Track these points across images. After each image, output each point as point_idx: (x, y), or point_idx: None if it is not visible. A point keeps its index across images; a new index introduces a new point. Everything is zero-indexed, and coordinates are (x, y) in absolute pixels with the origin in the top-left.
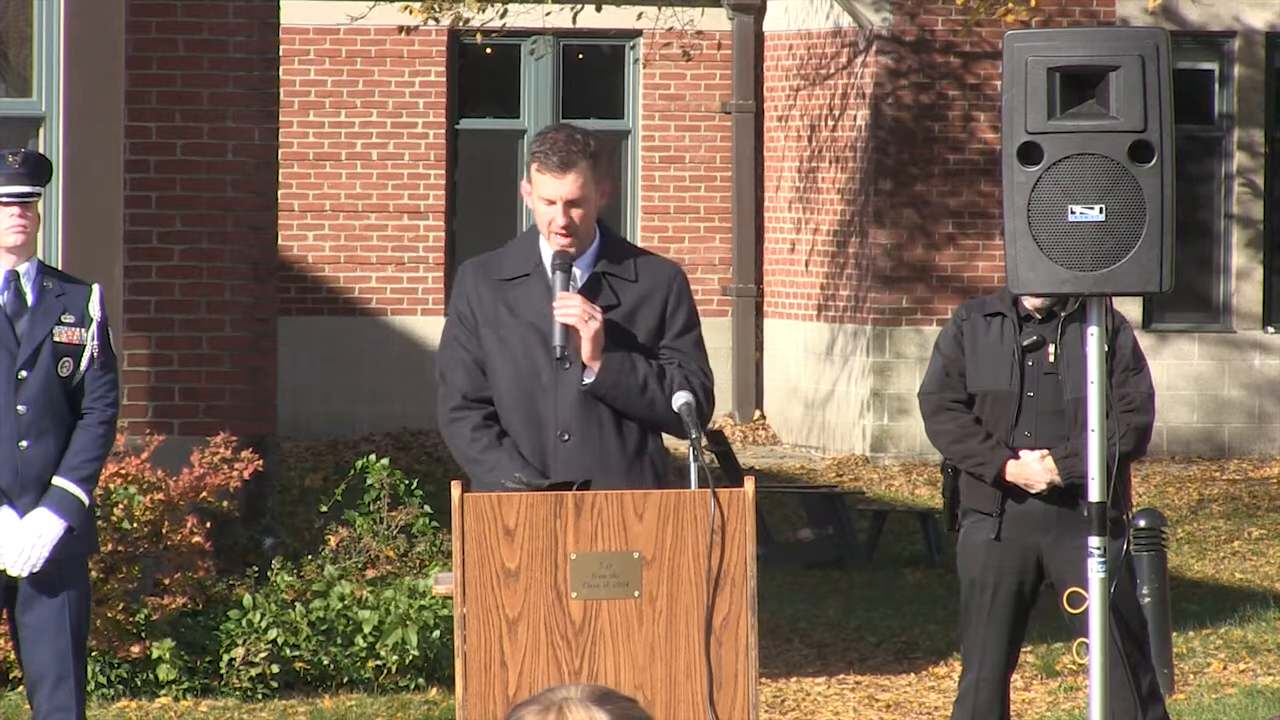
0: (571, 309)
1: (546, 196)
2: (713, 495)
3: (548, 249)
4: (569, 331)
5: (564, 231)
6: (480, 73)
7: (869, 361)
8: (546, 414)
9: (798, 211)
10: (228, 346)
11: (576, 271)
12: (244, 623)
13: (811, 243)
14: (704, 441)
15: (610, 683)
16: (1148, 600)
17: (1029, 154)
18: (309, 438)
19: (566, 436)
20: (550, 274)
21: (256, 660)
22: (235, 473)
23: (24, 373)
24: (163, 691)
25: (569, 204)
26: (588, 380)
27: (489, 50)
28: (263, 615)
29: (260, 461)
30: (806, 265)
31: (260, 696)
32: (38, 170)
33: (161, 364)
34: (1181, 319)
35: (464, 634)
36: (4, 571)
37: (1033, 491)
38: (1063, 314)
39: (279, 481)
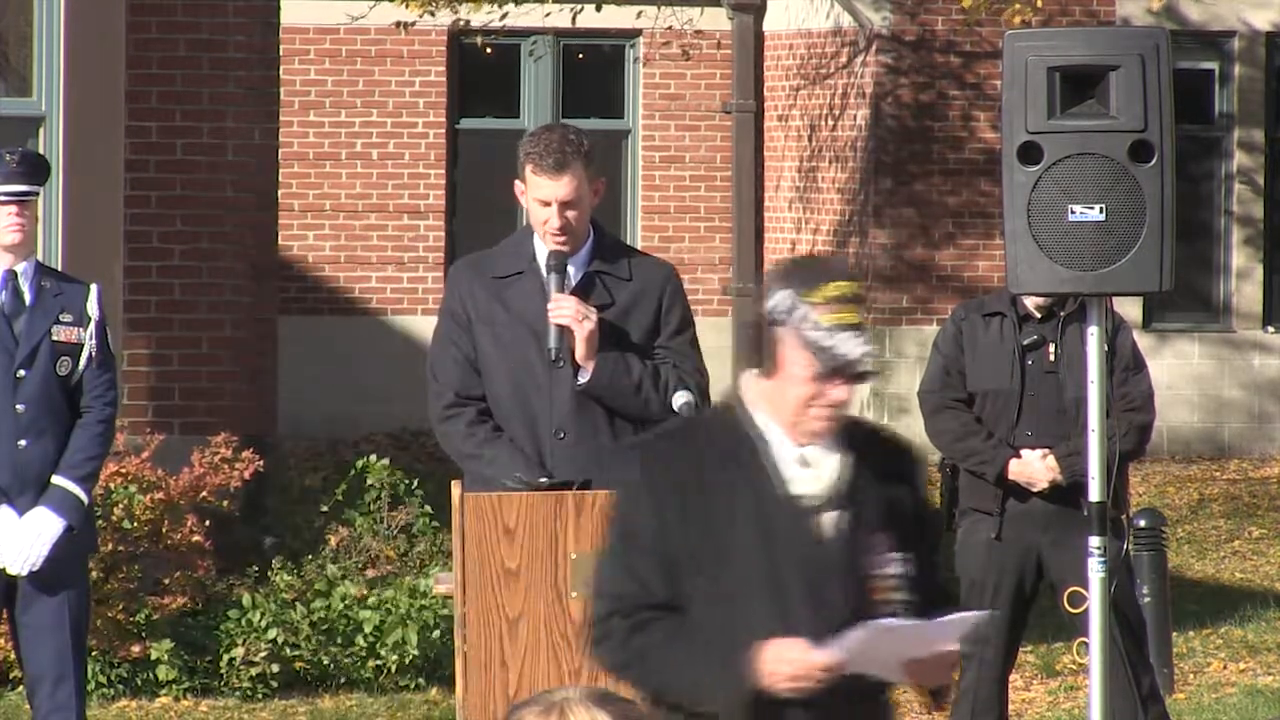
0: (565, 310)
1: (541, 198)
2: None
3: (541, 247)
4: (563, 333)
5: (559, 233)
6: (480, 73)
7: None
8: (541, 413)
9: (798, 211)
10: (228, 346)
11: (571, 269)
12: (244, 623)
13: (812, 242)
14: None
15: (610, 683)
16: (1148, 600)
17: (1029, 154)
18: (309, 438)
19: (562, 435)
20: (544, 274)
21: (256, 660)
22: (235, 473)
23: (22, 372)
24: (163, 691)
25: (564, 205)
26: (582, 380)
27: (489, 50)
28: (263, 615)
29: (260, 461)
30: None
31: (260, 696)
32: (36, 169)
33: (161, 364)
34: (1181, 319)
35: (464, 634)
36: (3, 570)
37: (1034, 490)
38: (1062, 314)
39: (279, 481)
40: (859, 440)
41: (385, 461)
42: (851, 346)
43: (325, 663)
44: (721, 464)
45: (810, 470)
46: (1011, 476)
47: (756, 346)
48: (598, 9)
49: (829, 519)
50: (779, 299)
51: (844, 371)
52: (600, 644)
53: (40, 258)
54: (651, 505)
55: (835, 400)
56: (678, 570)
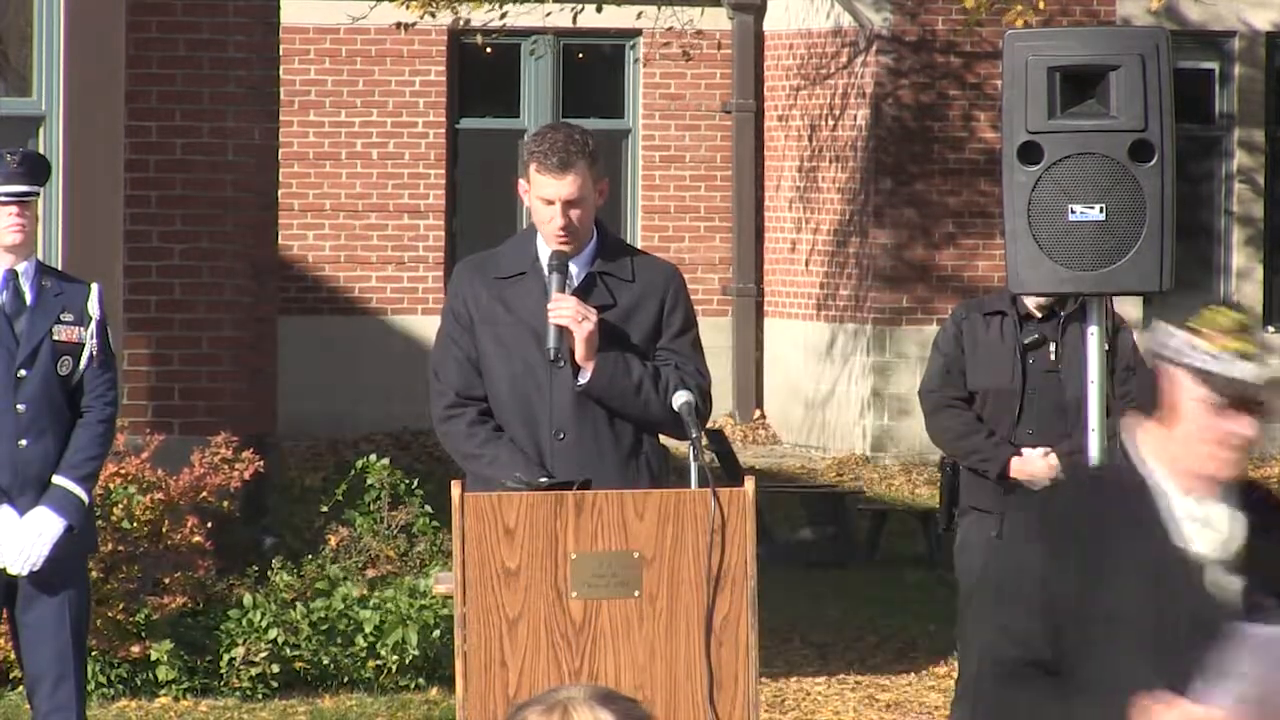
0: (565, 310)
1: (545, 197)
2: (713, 495)
3: (544, 247)
4: (563, 333)
5: (563, 232)
6: (480, 72)
7: (869, 361)
8: (541, 413)
9: (798, 211)
10: (228, 346)
11: (573, 269)
12: (244, 622)
13: (812, 242)
14: (704, 441)
15: (610, 683)
16: None
17: (1029, 153)
18: (309, 438)
19: (562, 435)
20: (546, 274)
21: (256, 660)
22: (235, 473)
23: (23, 372)
24: (163, 691)
25: (567, 204)
26: (582, 381)
27: (489, 50)
28: (263, 615)
29: (260, 461)
30: (807, 265)
31: (260, 696)
32: (36, 170)
33: (161, 364)
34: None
35: (464, 634)
36: (4, 570)
37: (1035, 489)
38: (1063, 313)
39: (279, 481)
40: (1254, 499)
41: (385, 461)
42: (1249, 373)
43: (325, 663)
44: (1118, 518)
45: (1206, 527)
46: (1013, 474)
47: (1149, 393)
48: (598, 9)
49: (1226, 580)
50: (1167, 335)
51: (1243, 400)
52: (972, 698)
53: (40, 257)
54: (1044, 557)
55: (1236, 434)
56: (1062, 626)
